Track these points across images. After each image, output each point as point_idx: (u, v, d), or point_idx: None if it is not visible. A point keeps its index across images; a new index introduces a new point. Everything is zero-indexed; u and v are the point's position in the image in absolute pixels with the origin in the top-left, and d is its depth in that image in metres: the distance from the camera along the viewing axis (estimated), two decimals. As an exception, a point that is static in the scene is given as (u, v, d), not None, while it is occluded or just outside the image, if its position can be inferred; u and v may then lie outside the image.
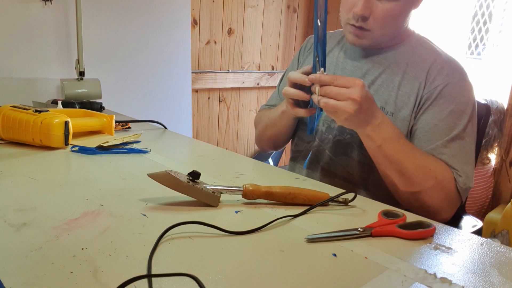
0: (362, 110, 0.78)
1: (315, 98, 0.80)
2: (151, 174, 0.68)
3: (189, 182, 0.67)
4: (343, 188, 0.83)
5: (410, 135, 0.93)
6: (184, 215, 0.63)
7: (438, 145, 0.88)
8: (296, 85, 0.85)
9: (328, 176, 1.01)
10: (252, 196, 0.68)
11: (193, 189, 0.67)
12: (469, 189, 0.88)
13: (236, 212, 0.65)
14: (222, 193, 0.68)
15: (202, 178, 0.71)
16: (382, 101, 0.94)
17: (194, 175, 0.68)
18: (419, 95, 0.92)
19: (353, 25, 0.91)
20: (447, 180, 0.85)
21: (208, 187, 0.68)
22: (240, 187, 0.68)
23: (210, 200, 0.67)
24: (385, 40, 0.95)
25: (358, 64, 1.00)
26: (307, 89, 0.83)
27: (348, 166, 0.98)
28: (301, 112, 0.88)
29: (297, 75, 0.83)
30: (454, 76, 0.91)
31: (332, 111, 0.79)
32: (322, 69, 0.79)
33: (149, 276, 0.45)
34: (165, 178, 0.67)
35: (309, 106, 0.87)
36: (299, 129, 1.09)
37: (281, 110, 1.01)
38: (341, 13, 0.96)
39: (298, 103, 0.88)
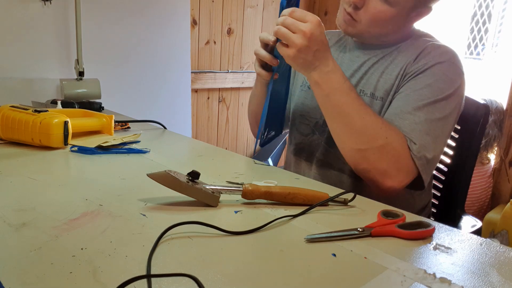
0: (310, 49, 0.78)
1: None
2: (150, 174, 0.68)
3: (188, 182, 0.67)
4: (338, 180, 0.84)
5: None
6: (184, 215, 0.63)
7: (402, 110, 0.86)
8: (267, 47, 0.87)
9: (324, 167, 1.01)
10: (251, 196, 0.68)
11: (192, 189, 0.66)
12: (426, 160, 0.83)
13: (236, 212, 0.65)
14: (221, 193, 0.68)
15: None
16: (371, 87, 0.95)
17: (194, 175, 0.68)
18: (400, 73, 0.92)
19: (345, 11, 0.93)
20: (398, 143, 0.82)
21: (207, 187, 0.68)
22: (239, 187, 0.68)
23: (209, 200, 0.67)
24: (370, 37, 0.96)
25: (355, 58, 1.01)
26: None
27: (343, 157, 0.97)
28: (263, 74, 0.91)
29: (265, 35, 0.86)
30: (441, 58, 0.89)
31: (283, 46, 0.79)
32: None
33: (148, 276, 0.45)
34: (165, 178, 0.67)
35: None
36: (297, 123, 1.09)
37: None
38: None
39: (266, 66, 0.91)
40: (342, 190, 0.73)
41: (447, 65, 0.89)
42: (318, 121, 1.03)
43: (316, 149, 1.04)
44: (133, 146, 1.00)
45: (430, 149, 0.84)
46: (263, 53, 0.87)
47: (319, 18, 0.78)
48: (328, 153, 1.01)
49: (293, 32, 0.77)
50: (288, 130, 1.16)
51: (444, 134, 0.87)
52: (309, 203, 0.69)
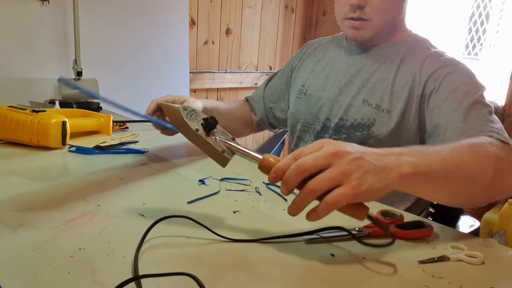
0: (354, 163, 0.50)
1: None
2: (163, 104, 0.58)
3: (197, 130, 0.55)
4: None
5: (422, 132, 0.89)
6: (182, 214, 0.63)
7: (456, 120, 0.78)
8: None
9: None
10: (268, 171, 0.52)
11: (200, 140, 0.55)
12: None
13: (234, 212, 0.65)
14: (234, 153, 0.56)
15: (199, 178, 0.70)
16: (377, 99, 0.93)
17: (208, 124, 0.55)
18: (413, 87, 0.89)
19: (351, 19, 0.91)
20: (496, 149, 0.66)
21: (221, 140, 0.55)
22: (259, 156, 0.54)
23: (218, 158, 0.55)
24: (386, 29, 0.94)
25: (352, 61, 1.00)
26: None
27: None
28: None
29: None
30: (449, 68, 0.88)
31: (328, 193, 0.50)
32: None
33: (147, 276, 0.45)
34: (174, 116, 0.56)
35: None
36: (297, 131, 1.08)
37: None
38: (336, 11, 0.97)
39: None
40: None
41: (462, 66, 0.88)
42: (317, 127, 1.02)
43: None
44: (132, 146, 1.00)
45: (498, 123, 0.77)
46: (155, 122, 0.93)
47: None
48: None
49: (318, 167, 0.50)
50: (287, 132, 1.16)
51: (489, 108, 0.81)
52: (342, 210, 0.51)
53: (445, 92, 0.84)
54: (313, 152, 0.50)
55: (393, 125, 0.90)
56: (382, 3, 0.88)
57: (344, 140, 0.96)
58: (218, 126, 0.57)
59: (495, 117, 0.79)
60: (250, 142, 2.80)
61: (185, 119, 0.55)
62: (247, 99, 1.25)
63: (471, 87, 0.83)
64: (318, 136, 1.02)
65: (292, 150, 1.11)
